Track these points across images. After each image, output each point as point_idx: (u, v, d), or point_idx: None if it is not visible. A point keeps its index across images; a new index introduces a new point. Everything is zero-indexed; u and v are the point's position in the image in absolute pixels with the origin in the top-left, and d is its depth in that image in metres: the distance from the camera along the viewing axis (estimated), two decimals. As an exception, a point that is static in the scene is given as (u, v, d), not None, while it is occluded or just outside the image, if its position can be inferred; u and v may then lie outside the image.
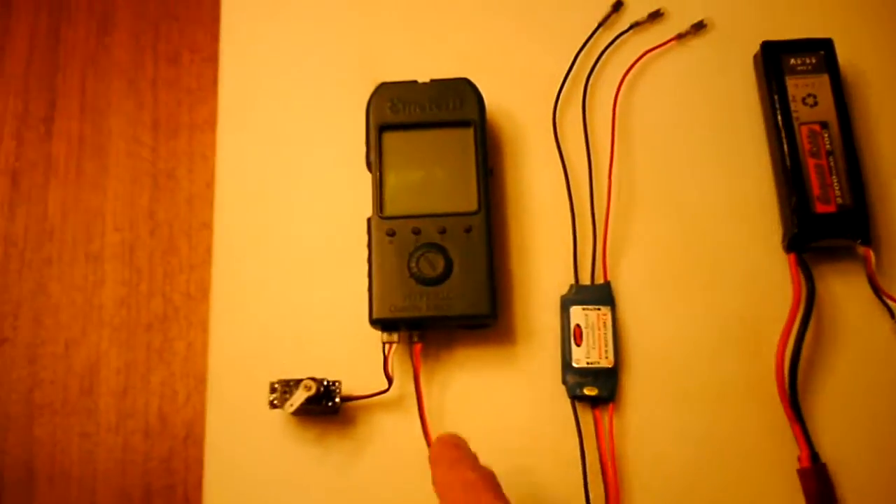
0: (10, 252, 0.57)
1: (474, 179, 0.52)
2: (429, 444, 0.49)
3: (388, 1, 0.61)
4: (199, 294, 0.55)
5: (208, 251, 0.56)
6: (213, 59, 0.61)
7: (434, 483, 0.42)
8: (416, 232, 0.51)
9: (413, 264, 0.50)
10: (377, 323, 0.50)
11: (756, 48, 0.56)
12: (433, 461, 0.43)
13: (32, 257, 0.57)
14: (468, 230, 0.50)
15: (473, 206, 0.51)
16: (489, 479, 0.41)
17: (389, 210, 0.52)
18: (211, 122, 0.59)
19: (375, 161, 0.53)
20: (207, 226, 0.56)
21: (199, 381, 0.54)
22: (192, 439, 0.53)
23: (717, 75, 0.58)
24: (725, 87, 0.57)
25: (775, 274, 0.53)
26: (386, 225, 0.51)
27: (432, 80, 0.54)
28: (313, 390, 0.48)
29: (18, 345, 0.55)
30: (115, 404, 0.54)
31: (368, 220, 0.52)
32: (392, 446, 0.51)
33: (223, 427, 0.52)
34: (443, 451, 0.44)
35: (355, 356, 0.52)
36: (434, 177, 0.52)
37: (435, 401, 0.51)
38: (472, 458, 0.43)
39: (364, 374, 0.51)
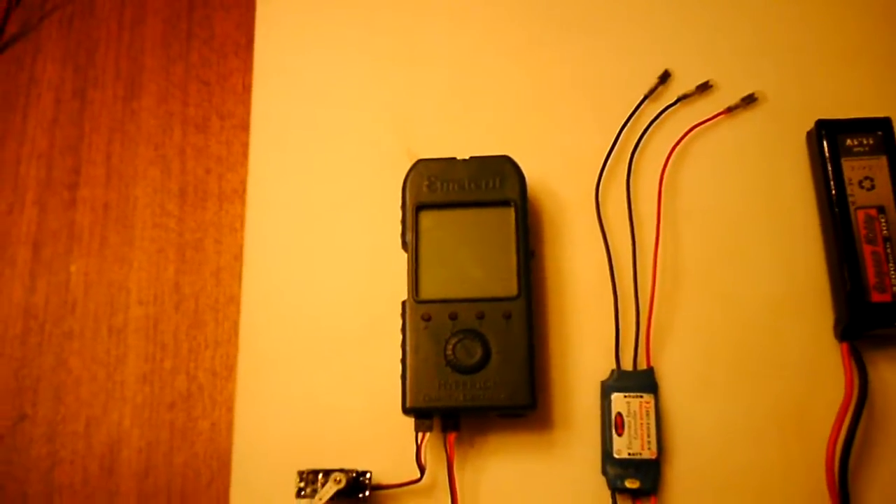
0: (31, 325, 0.62)
1: (514, 262, 0.54)
2: (463, 537, 0.52)
3: (426, 73, 0.65)
4: (225, 372, 0.59)
5: (234, 327, 0.60)
6: (243, 126, 0.65)
7: None
8: (453, 317, 0.54)
9: (449, 351, 0.53)
10: (411, 412, 0.52)
11: (809, 124, 0.59)
12: None
13: (53, 330, 0.61)
14: (507, 316, 0.54)
15: (513, 291, 0.54)
16: None
17: (425, 293, 0.54)
18: (240, 192, 0.64)
19: (412, 241, 0.56)
20: (234, 300, 0.60)
21: (223, 464, 0.57)
22: (216, 525, 0.57)
23: (767, 152, 0.60)
24: (776, 164, 0.60)
25: (826, 362, 0.55)
26: (422, 309, 0.54)
27: (472, 157, 0.57)
28: (343, 483, 0.52)
29: (38, 422, 0.59)
30: (137, 486, 0.57)
31: (403, 304, 0.55)
32: (423, 537, 0.55)
33: (248, 514, 0.56)
34: None
35: (386, 442, 0.55)
36: (472, 259, 0.55)
37: (468, 490, 0.54)
38: None
39: (395, 461, 0.54)
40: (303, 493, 0.52)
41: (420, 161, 0.58)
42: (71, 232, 0.63)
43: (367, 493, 0.52)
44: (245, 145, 0.64)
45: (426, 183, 0.57)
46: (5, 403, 0.60)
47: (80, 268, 0.62)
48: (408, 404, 0.53)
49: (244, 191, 0.63)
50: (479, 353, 0.53)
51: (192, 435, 0.58)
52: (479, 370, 0.53)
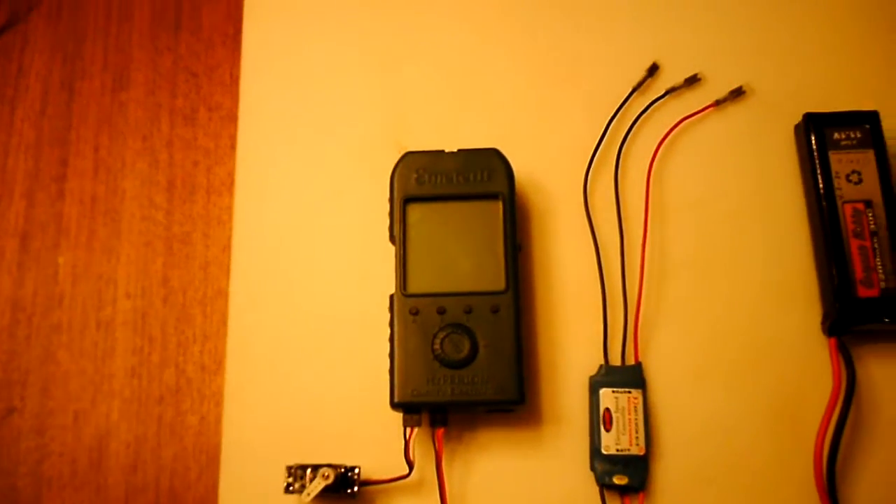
0: (19, 317, 0.60)
1: (502, 256, 0.53)
2: (451, 532, 0.52)
3: (414, 65, 0.63)
4: (213, 366, 0.58)
5: (223, 321, 0.59)
6: (231, 117, 0.64)
7: None
8: (441, 311, 0.53)
9: (437, 345, 0.52)
10: (399, 406, 0.51)
11: (797, 117, 0.58)
12: None
13: (41, 323, 0.60)
14: (495, 310, 0.53)
15: (501, 285, 0.53)
16: None
17: (413, 287, 0.53)
18: (228, 185, 0.62)
19: (399, 234, 0.54)
20: (223, 294, 0.59)
21: (212, 458, 0.56)
22: (204, 519, 0.55)
23: (755, 145, 0.59)
24: (764, 157, 0.59)
25: (814, 357, 0.54)
26: (409, 303, 0.53)
27: (460, 150, 0.56)
28: (331, 479, 0.51)
29: (26, 415, 0.58)
30: (125, 479, 0.56)
31: (391, 297, 0.53)
32: (411, 533, 0.54)
33: (236, 508, 0.55)
34: None
35: (375, 438, 0.54)
36: (460, 253, 0.54)
37: (456, 486, 0.53)
38: None
39: (383, 457, 0.53)
40: (291, 488, 0.52)
41: (408, 153, 0.56)
42: (59, 224, 0.62)
43: (355, 488, 0.51)
44: (233, 137, 0.63)
45: (414, 176, 0.56)
46: (-7, 397, 0.58)
47: (67, 260, 0.61)
48: (395, 399, 0.52)
49: (232, 183, 0.61)
50: (466, 347, 0.52)
51: (180, 429, 0.57)
52: (467, 365, 0.52)
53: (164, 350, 0.58)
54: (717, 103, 0.60)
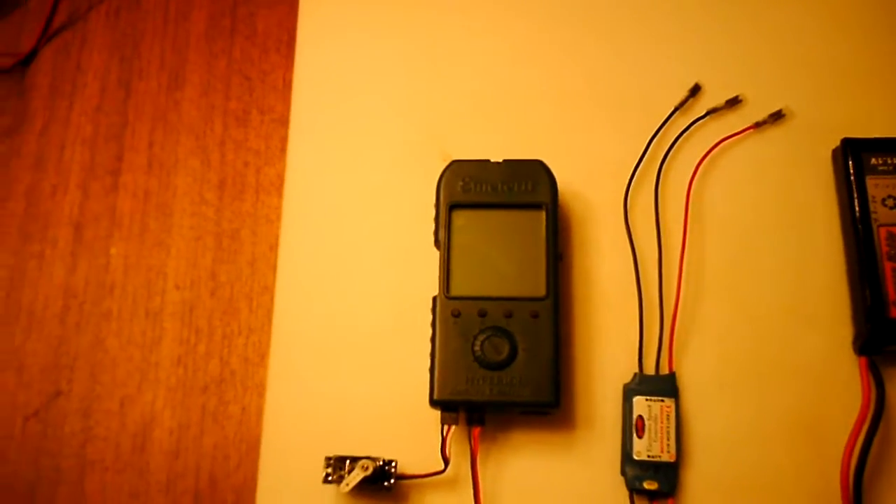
0: (70, 304, 0.62)
1: (543, 264, 0.55)
2: (483, 529, 0.53)
3: (460, 77, 0.65)
4: (257, 358, 0.59)
5: (268, 315, 0.60)
6: (282, 121, 0.65)
7: None
8: (482, 314, 0.54)
9: (477, 347, 0.53)
10: (438, 404, 0.53)
11: (835, 142, 0.59)
12: None
13: (92, 310, 0.62)
14: (535, 315, 0.54)
15: (541, 292, 0.54)
16: None
17: (456, 290, 0.55)
18: (277, 185, 0.64)
19: (444, 239, 0.56)
20: (269, 290, 0.61)
21: (252, 448, 0.58)
22: (241, 506, 0.57)
23: (793, 167, 0.60)
24: (802, 179, 0.60)
25: (844, 374, 0.55)
26: (452, 305, 0.54)
27: (505, 161, 0.57)
28: (370, 471, 0.52)
29: (73, 398, 0.60)
30: (167, 464, 0.57)
31: (434, 299, 0.55)
32: (445, 528, 0.55)
33: (273, 497, 0.56)
34: None
35: (412, 434, 0.55)
36: (503, 259, 0.55)
37: (489, 484, 0.54)
38: None
39: (419, 452, 0.54)
40: (330, 478, 0.53)
41: (455, 162, 0.58)
42: (112, 216, 0.63)
43: (392, 481, 0.52)
44: (283, 140, 0.64)
45: (460, 183, 0.57)
46: (42, 379, 0.60)
47: (119, 251, 0.62)
48: (435, 396, 0.53)
49: (281, 184, 0.63)
50: (506, 350, 0.53)
51: (222, 418, 0.58)
52: (506, 367, 0.53)
53: (209, 341, 0.60)
54: (757, 125, 0.61)
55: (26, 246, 0.63)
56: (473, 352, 0.53)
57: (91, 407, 0.59)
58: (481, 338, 0.53)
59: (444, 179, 0.58)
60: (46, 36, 0.69)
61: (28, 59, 0.68)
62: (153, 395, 0.59)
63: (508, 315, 0.54)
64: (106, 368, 0.60)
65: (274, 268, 0.61)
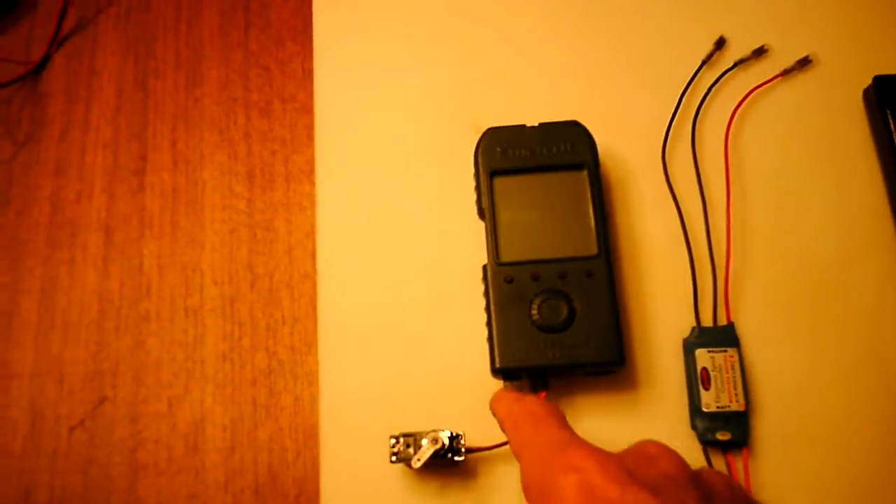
0: (106, 309, 0.60)
1: (592, 222, 0.53)
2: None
3: (484, 48, 0.64)
4: (304, 347, 0.58)
5: (311, 303, 0.59)
6: (305, 109, 0.64)
7: (500, 418, 0.44)
8: (536, 278, 0.53)
9: (535, 311, 0.52)
10: (500, 372, 0.51)
11: (864, 83, 0.59)
12: (495, 402, 0.46)
13: (129, 313, 0.60)
14: (589, 274, 0.53)
15: (593, 250, 0.53)
16: (554, 410, 0.42)
17: (506, 256, 0.53)
18: (307, 172, 0.62)
19: (488, 206, 0.55)
20: (309, 277, 0.59)
21: (309, 437, 0.56)
22: (305, 497, 0.54)
23: (826, 111, 0.60)
24: (835, 123, 0.59)
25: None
26: (504, 271, 0.53)
27: (541, 124, 0.56)
28: (440, 444, 0.51)
29: (119, 404, 0.58)
30: (223, 462, 0.56)
31: (484, 268, 0.53)
32: (517, 498, 0.53)
33: (339, 484, 0.53)
34: (506, 393, 0.46)
35: (474, 406, 0.53)
36: (550, 221, 0.54)
37: (557, 451, 0.53)
38: (535, 396, 0.47)
39: (483, 424, 0.52)
40: (396, 457, 0.51)
41: (490, 129, 0.57)
42: (141, 217, 0.62)
43: (463, 455, 0.50)
44: (308, 127, 0.63)
45: (499, 150, 0.56)
46: (85, 387, 0.58)
47: (152, 251, 0.60)
48: (497, 364, 0.51)
49: (311, 171, 0.62)
50: (564, 311, 0.51)
51: (275, 410, 0.56)
52: (566, 329, 0.51)
53: (254, 334, 0.58)
54: (786, 73, 0.61)
55: (55, 253, 0.62)
56: (531, 316, 0.52)
57: (138, 411, 0.57)
58: (537, 301, 0.52)
59: (481, 148, 0.56)
60: (57, 42, 0.67)
61: (40, 67, 0.66)
62: (201, 393, 0.57)
63: (563, 276, 0.52)
64: (150, 370, 0.58)
65: (312, 255, 0.59)
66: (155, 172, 0.63)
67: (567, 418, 0.53)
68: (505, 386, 0.53)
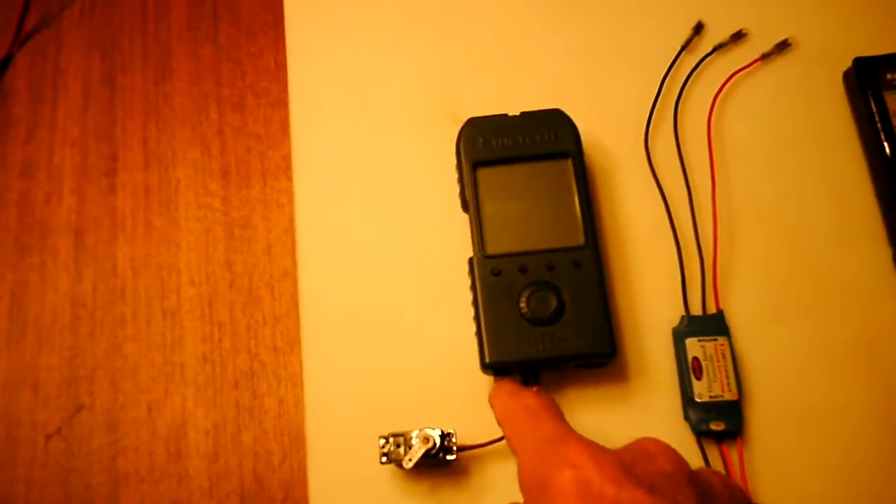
0: (80, 313, 0.58)
1: (578, 212, 0.53)
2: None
3: (463, 34, 0.62)
4: (287, 347, 0.56)
5: (292, 301, 0.57)
6: (279, 102, 0.62)
7: (497, 413, 0.44)
8: (523, 270, 0.52)
9: (523, 304, 0.51)
10: (490, 367, 0.50)
11: (844, 65, 0.58)
12: (493, 396, 0.46)
13: (104, 318, 0.58)
14: (577, 265, 0.52)
15: (580, 240, 0.52)
16: (550, 404, 0.42)
17: (492, 248, 0.52)
18: (283, 168, 0.61)
19: (472, 198, 0.53)
20: (290, 275, 0.57)
21: (294, 439, 0.54)
22: (292, 501, 0.53)
23: (806, 95, 0.59)
24: (816, 105, 0.59)
25: (884, 291, 0.54)
26: (490, 264, 0.52)
27: (523, 113, 0.55)
28: (431, 443, 0.50)
29: (97, 411, 0.56)
30: (207, 467, 0.54)
31: (470, 260, 0.52)
32: (511, 495, 0.52)
33: (328, 486, 0.52)
34: (502, 386, 0.47)
35: (463, 403, 0.52)
36: (535, 212, 0.53)
37: (549, 446, 0.52)
38: (530, 390, 0.46)
39: (473, 421, 0.51)
40: (386, 457, 0.49)
41: (471, 119, 0.56)
42: (113, 218, 0.60)
43: (454, 454, 0.49)
44: (283, 122, 0.61)
45: (481, 140, 0.55)
46: (61, 394, 0.56)
47: (125, 253, 0.59)
48: (487, 360, 0.50)
49: (288, 166, 0.60)
50: (553, 303, 0.51)
51: (259, 413, 0.55)
52: (556, 321, 0.51)
53: (234, 335, 0.56)
54: (764, 57, 0.60)
55: (25, 258, 0.60)
56: (520, 309, 0.51)
57: (117, 417, 0.55)
58: (526, 293, 0.51)
59: (462, 139, 0.55)
60: (19, 41, 0.65)
61: (3, 66, 0.64)
62: (182, 398, 0.55)
63: (550, 267, 0.52)
64: (127, 375, 0.56)
65: (292, 252, 0.58)
66: (126, 172, 0.61)
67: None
68: (500, 379, 0.51)
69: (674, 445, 0.50)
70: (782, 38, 0.61)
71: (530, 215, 0.53)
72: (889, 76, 0.57)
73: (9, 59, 0.65)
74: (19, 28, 0.65)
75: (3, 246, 0.60)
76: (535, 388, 0.50)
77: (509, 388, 0.46)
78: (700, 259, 0.55)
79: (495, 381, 0.51)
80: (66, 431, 0.56)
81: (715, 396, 0.51)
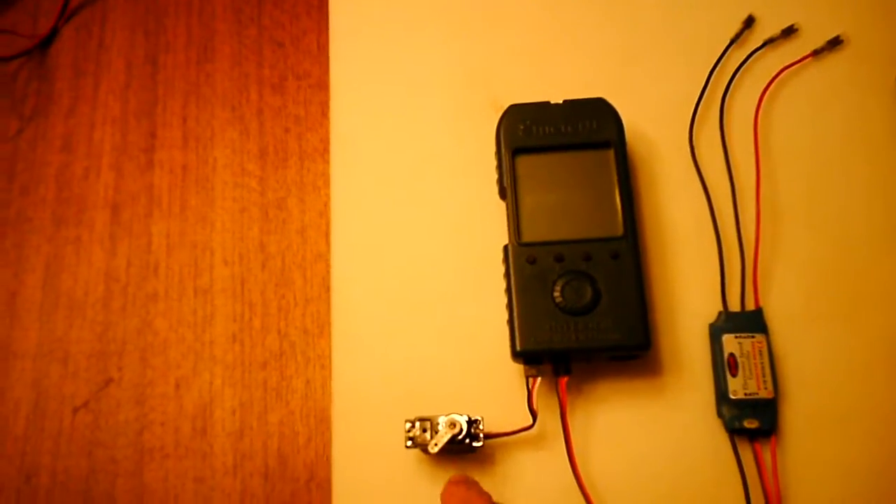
0: (112, 288, 0.58)
1: (618, 202, 0.52)
2: (578, 481, 0.49)
3: (507, 21, 0.62)
4: (316, 329, 0.56)
5: (324, 284, 0.57)
6: (320, 85, 0.62)
7: None
8: (559, 259, 0.51)
9: (557, 293, 0.50)
10: (521, 355, 0.49)
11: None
12: (445, 497, 0.47)
13: (136, 293, 0.58)
14: (615, 256, 0.51)
15: (619, 231, 0.51)
16: None
17: (528, 236, 0.52)
18: (321, 150, 0.61)
19: (510, 185, 0.53)
20: (322, 257, 0.57)
21: (320, 421, 0.54)
22: (316, 482, 0.53)
23: (856, 92, 0.58)
24: (866, 104, 0.58)
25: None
26: (526, 252, 0.51)
27: (566, 101, 0.54)
28: (458, 428, 0.49)
29: (125, 385, 0.56)
30: (232, 446, 0.54)
31: (505, 248, 0.52)
32: (536, 485, 0.51)
33: (352, 469, 0.52)
34: (457, 489, 0.48)
35: (492, 391, 0.52)
36: (574, 201, 0.52)
37: (579, 438, 0.50)
38: (483, 497, 0.47)
39: (501, 410, 0.51)
40: (412, 442, 0.49)
41: (513, 106, 0.55)
42: (150, 194, 0.60)
43: (480, 441, 0.49)
44: (323, 104, 0.61)
45: (521, 127, 0.54)
46: (90, 368, 0.56)
47: (161, 230, 0.59)
48: (518, 348, 0.49)
49: (325, 149, 0.60)
50: (588, 293, 0.50)
51: (286, 393, 0.54)
52: (590, 311, 0.50)
53: (265, 315, 0.56)
54: (816, 53, 0.59)
55: (61, 231, 0.60)
56: (553, 298, 0.50)
57: (145, 393, 0.55)
58: (560, 283, 0.50)
59: (503, 125, 0.54)
60: (65, 16, 0.65)
61: (48, 40, 0.65)
62: (210, 375, 0.55)
63: (587, 258, 0.51)
64: (157, 351, 0.56)
65: (326, 234, 0.58)
66: (164, 149, 0.61)
67: (589, 405, 0.51)
68: (456, 477, 0.50)
69: (705, 443, 0.50)
70: (835, 34, 0.59)
71: (568, 204, 0.52)
72: (943, 76, 0.55)
73: (54, 33, 0.65)
74: (66, 3, 0.65)
75: (40, 219, 0.60)
76: (563, 381, 0.49)
77: (463, 494, 0.47)
78: (741, 255, 0.54)
79: (450, 479, 0.50)
80: (94, 405, 0.56)
81: (750, 394, 0.50)
